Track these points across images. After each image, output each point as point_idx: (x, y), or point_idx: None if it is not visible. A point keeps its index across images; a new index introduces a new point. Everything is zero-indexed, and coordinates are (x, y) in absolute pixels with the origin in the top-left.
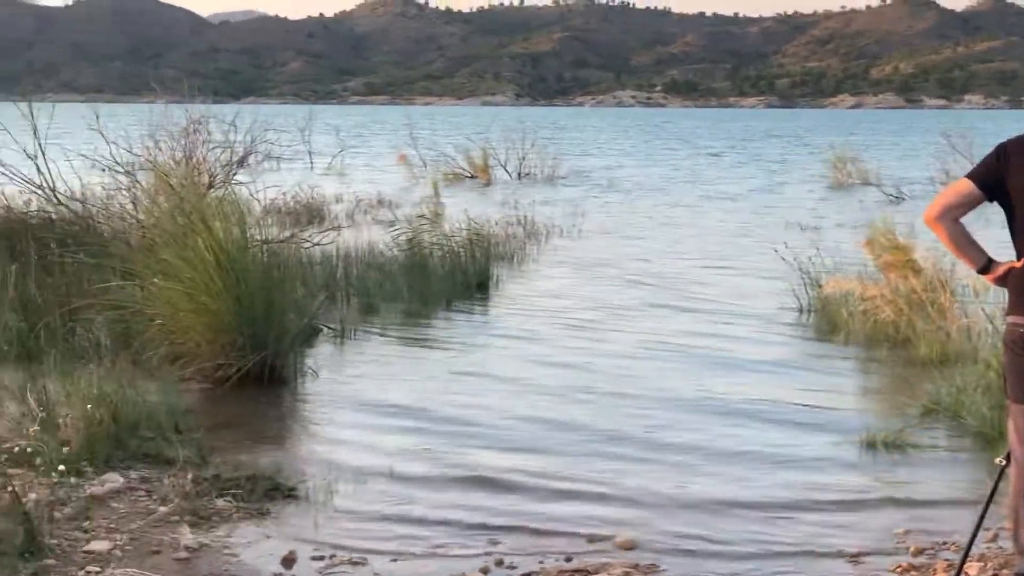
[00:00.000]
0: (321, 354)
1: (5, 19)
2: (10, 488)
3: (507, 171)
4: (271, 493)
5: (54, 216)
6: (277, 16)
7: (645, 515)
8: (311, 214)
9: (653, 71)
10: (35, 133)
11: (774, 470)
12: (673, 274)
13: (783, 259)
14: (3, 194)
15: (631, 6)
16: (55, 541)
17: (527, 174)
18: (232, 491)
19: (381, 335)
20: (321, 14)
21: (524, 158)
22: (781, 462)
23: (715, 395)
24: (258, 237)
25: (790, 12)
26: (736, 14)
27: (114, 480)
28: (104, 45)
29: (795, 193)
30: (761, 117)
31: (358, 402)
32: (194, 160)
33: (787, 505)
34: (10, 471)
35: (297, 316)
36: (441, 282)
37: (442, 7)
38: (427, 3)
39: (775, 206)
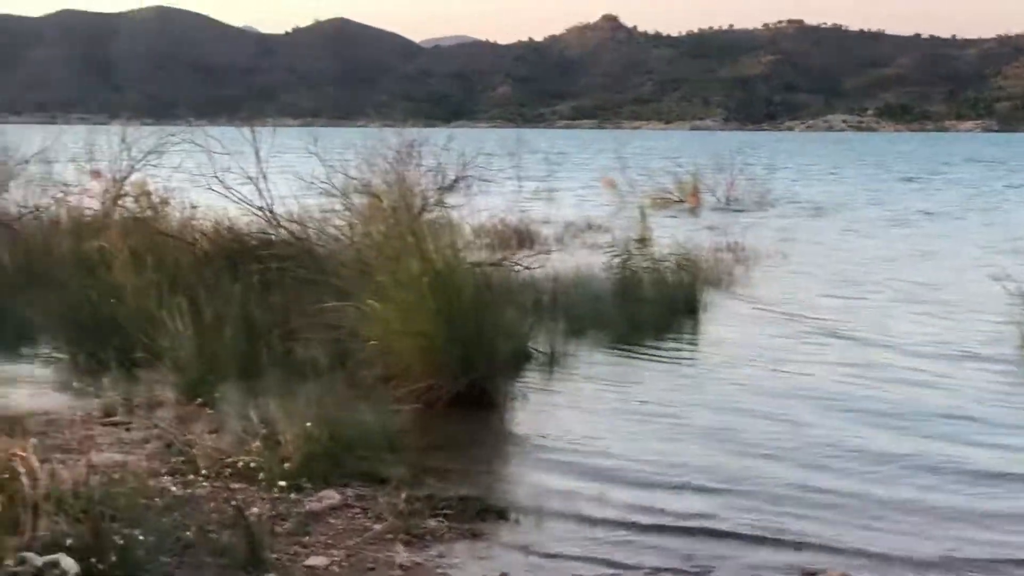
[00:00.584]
0: (530, 378)
1: (229, 47)
2: (234, 502)
3: (715, 196)
4: (482, 514)
5: (274, 237)
6: (487, 41)
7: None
8: (520, 237)
9: (864, 94)
10: (257, 156)
11: None
12: (882, 305)
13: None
14: (227, 215)
15: (843, 28)
16: (276, 555)
17: (735, 199)
18: (444, 511)
19: (590, 360)
20: (530, 38)
21: (733, 183)
22: None
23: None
24: (469, 260)
25: (1011, 33)
26: (953, 36)
27: (331, 497)
28: (320, 71)
29: None
30: (984, 141)
31: (567, 426)
32: (407, 183)
33: None
34: (233, 485)
35: (507, 339)
36: (650, 307)
37: (651, 31)
38: (636, 27)
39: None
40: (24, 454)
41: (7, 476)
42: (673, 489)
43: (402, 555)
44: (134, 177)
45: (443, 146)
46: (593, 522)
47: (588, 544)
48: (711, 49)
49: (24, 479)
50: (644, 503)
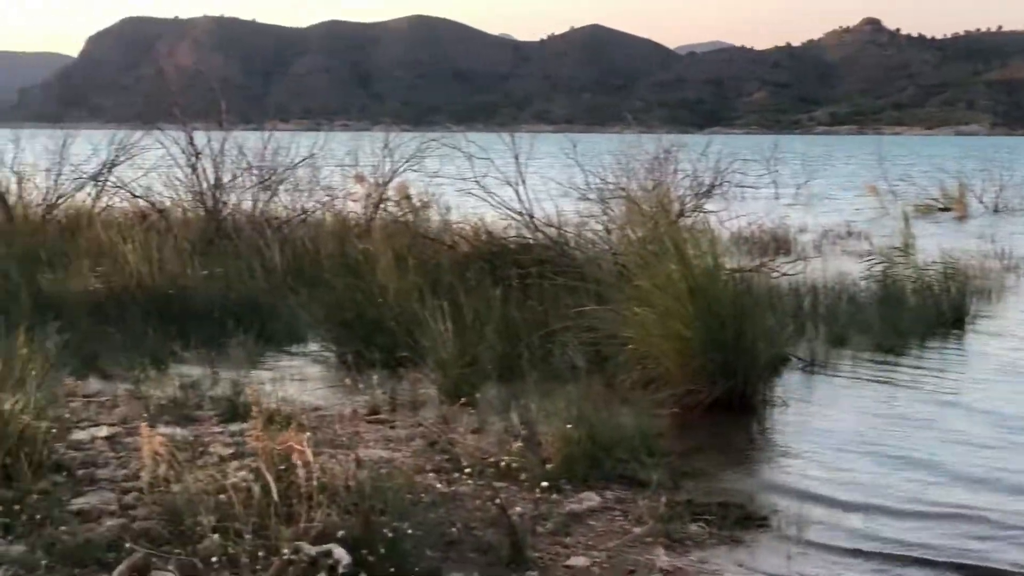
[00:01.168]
0: (790, 384)
1: (487, 54)
2: (497, 501)
3: (982, 203)
4: (743, 521)
5: (531, 241)
6: (743, 47)
7: None
8: (777, 244)
9: None
10: (516, 162)
11: None
12: None
13: None
14: (483, 220)
15: None
16: (538, 554)
17: (1004, 206)
18: (704, 517)
19: (851, 367)
20: (788, 43)
21: (1001, 189)
22: None
23: None
24: (728, 265)
25: None
26: None
27: (591, 499)
28: (575, 78)
29: None
30: None
31: (828, 434)
32: (664, 188)
33: None
34: (496, 484)
35: (766, 345)
36: (914, 315)
37: (914, 33)
38: (898, 30)
39: None
40: (301, 448)
41: (284, 468)
42: (939, 515)
43: (662, 559)
44: (396, 182)
45: (700, 152)
46: (857, 532)
47: (851, 555)
48: (978, 52)
49: (300, 471)
50: (909, 509)
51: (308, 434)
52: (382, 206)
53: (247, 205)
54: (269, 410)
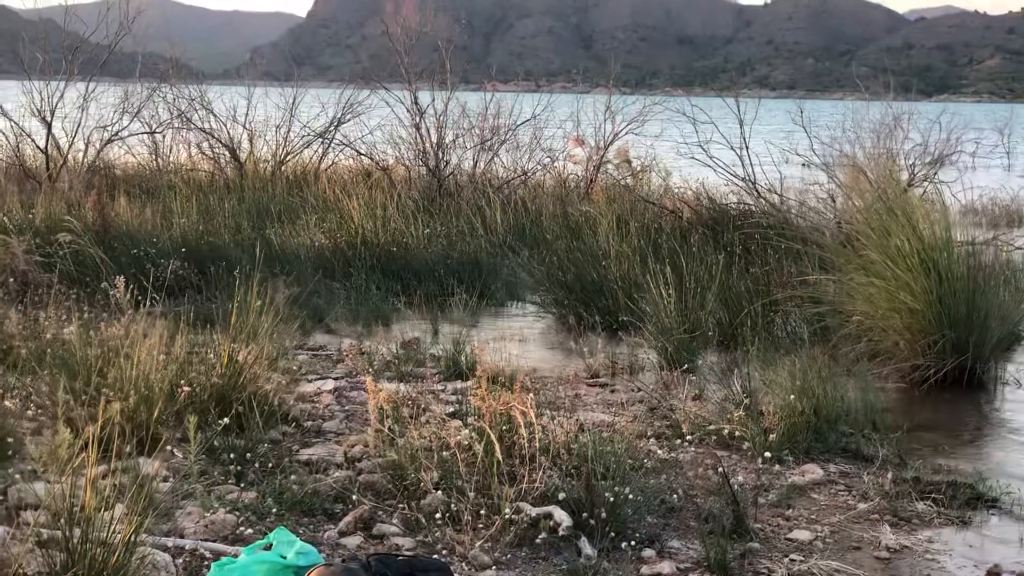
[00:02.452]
0: (1023, 363)
1: (708, 17)
2: (720, 469)
3: None
4: (972, 502)
5: (754, 208)
6: (976, 11)
7: None
8: (1010, 217)
9: None
10: (740, 127)
11: None
12: None
13: None
14: (704, 185)
15: None
16: (759, 526)
17: None
18: (932, 495)
19: None
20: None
21: None
22: None
23: None
24: (959, 238)
25: None
26: None
27: (814, 472)
28: (798, 42)
29: None
30: None
31: None
32: (892, 157)
33: None
34: (717, 452)
35: (999, 322)
36: None
37: None
38: None
39: None
40: (524, 409)
41: (506, 428)
42: None
43: (888, 536)
44: (616, 145)
45: (930, 120)
46: None
47: None
48: None
49: (523, 432)
50: None
51: (531, 395)
52: (602, 169)
53: (467, 165)
54: (492, 370)
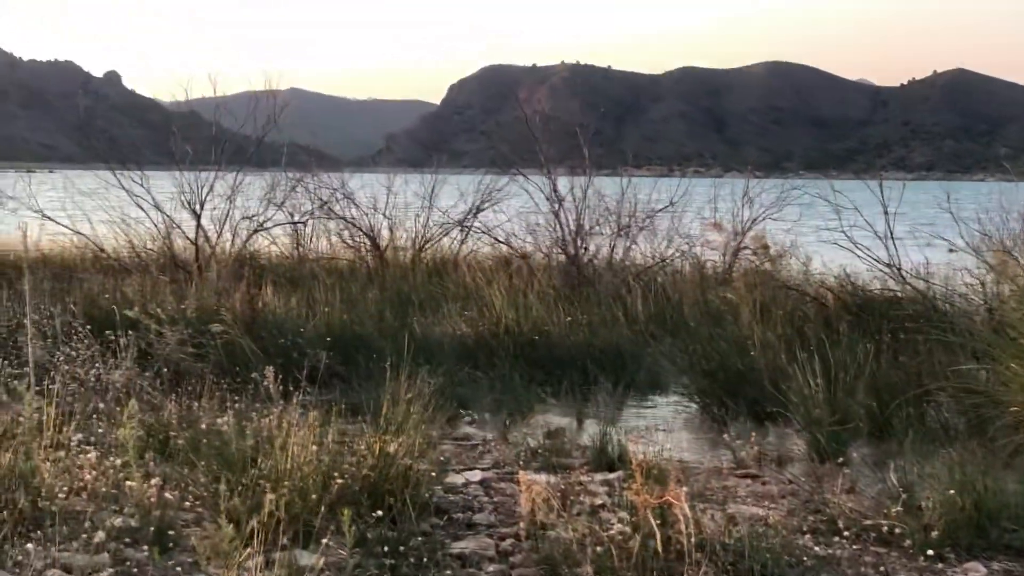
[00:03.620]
0: None
1: (841, 98)
2: (882, 568)
3: None
4: None
5: (900, 295)
6: None
7: None
8: None
9: None
10: (884, 212)
11: None
12: None
13: None
14: (846, 271)
15: None
16: None
17: None
18: None
19: None
20: None
21: None
22: None
23: None
24: None
25: None
26: None
27: (977, 570)
28: (936, 123)
29: None
30: None
31: None
32: None
33: None
34: (875, 549)
35: None
36: None
37: None
38: None
39: None
40: (680, 502)
41: (660, 522)
42: None
43: None
44: (754, 230)
45: None
46: None
47: None
48: None
49: (681, 527)
50: None
51: (685, 488)
52: (740, 254)
53: (605, 251)
54: (645, 462)
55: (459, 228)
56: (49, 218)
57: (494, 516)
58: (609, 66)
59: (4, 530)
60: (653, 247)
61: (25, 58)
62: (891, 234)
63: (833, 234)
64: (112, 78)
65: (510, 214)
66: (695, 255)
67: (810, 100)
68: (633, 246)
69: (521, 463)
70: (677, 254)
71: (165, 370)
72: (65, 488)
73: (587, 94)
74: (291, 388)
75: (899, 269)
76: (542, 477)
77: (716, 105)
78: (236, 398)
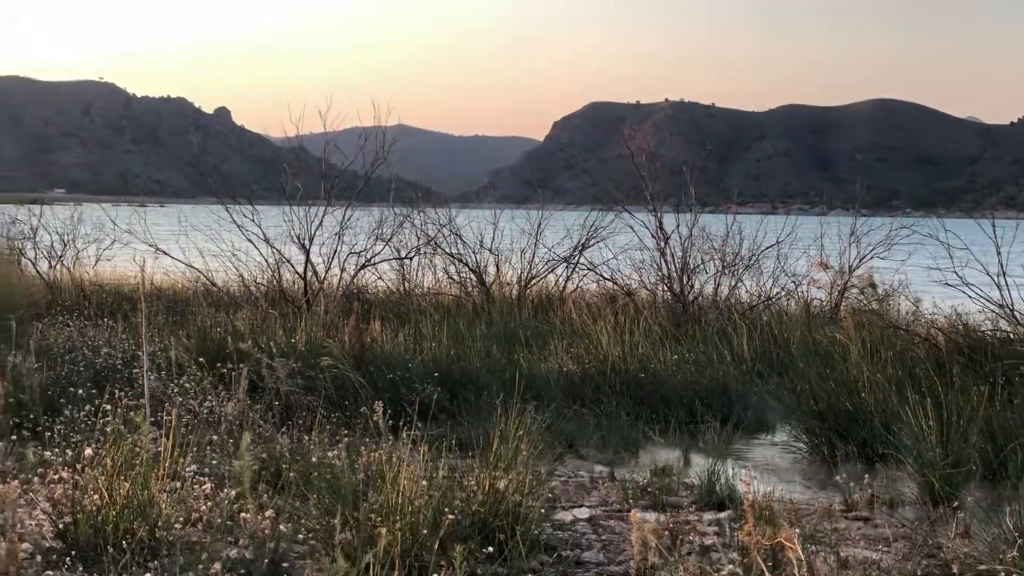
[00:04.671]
0: None
1: (949, 136)
2: None
3: None
4: None
5: (1012, 335)
6: None
7: None
8: None
9: None
10: (997, 251)
11: None
12: None
13: None
14: (957, 311)
15: None
16: None
17: None
18: None
19: None
20: None
21: None
22: None
23: None
24: None
25: None
26: None
27: None
28: None
29: None
30: None
31: None
32: None
33: None
34: None
35: None
36: None
37: None
38: None
39: None
40: (790, 544)
41: (771, 564)
42: None
43: None
44: (861, 268)
45: None
46: None
47: None
48: None
49: (793, 570)
50: None
51: (797, 530)
52: (846, 293)
53: (709, 289)
54: (757, 502)
55: (565, 264)
56: (163, 251)
57: (603, 554)
58: (713, 103)
59: (124, 559)
60: (759, 285)
61: (139, 94)
62: (1004, 273)
63: (943, 274)
64: (222, 114)
65: (615, 251)
66: (801, 293)
67: (917, 138)
68: (739, 284)
69: (630, 501)
70: (783, 292)
71: (276, 403)
72: (181, 519)
73: (690, 131)
74: (399, 423)
75: (1012, 310)
76: (651, 515)
77: (821, 143)
78: (346, 431)
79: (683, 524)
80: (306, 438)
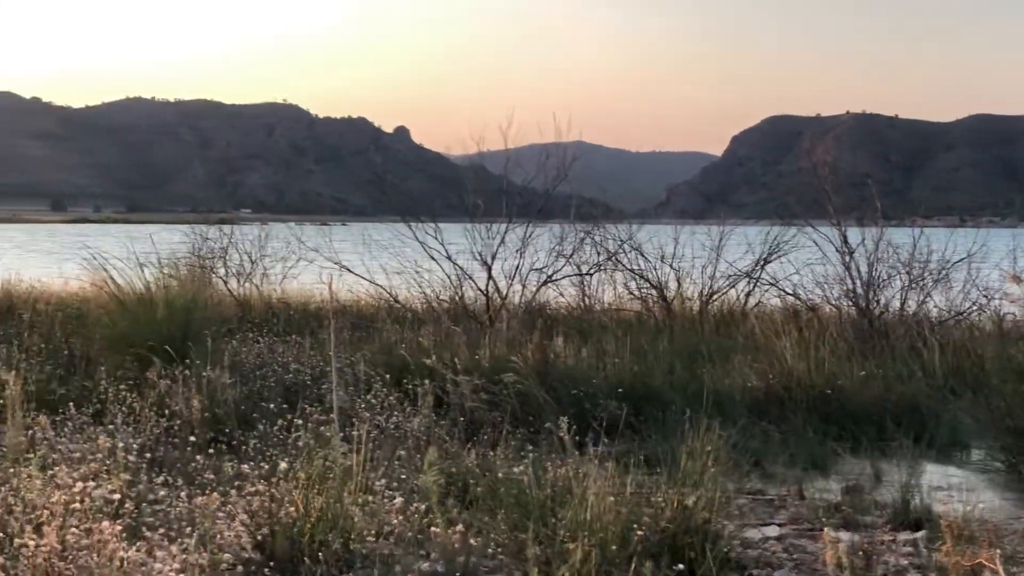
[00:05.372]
0: None
1: None
2: None
3: None
4: None
5: None
6: None
7: None
8: None
9: None
10: None
11: None
12: None
13: None
14: None
15: None
16: None
17: None
18: None
19: None
20: None
21: None
22: None
23: None
24: None
25: None
26: None
27: None
28: None
29: None
30: None
31: None
32: None
33: None
34: None
35: None
36: None
37: None
38: None
39: None
40: (991, 565)
41: None
42: None
43: None
44: None
45: None
46: None
47: None
48: None
49: None
50: None
51: (998, 551)
52: None
53: (896, 304)
54: (956, 522)
55: (746, 279)
56: (347, 269)
57: (794, 573)
58: (896, 115)
59: (319, 570)
60: (948, 300)
61: (321, 115)
62: None
63: None
64: (401, 133)
65: (797, 265)
66: (994, 308)
67: None
68: (927, 299)
69: (821, 519)
70: (974, 307)
71: (461, 418)
72: (374, 532)
73: (873, 144)
74: (584, 438)
75: None
76: (844, 535)
77: (1011, 152)
78: (531, 447)
79: (877, 544)
80: (491, 453)
